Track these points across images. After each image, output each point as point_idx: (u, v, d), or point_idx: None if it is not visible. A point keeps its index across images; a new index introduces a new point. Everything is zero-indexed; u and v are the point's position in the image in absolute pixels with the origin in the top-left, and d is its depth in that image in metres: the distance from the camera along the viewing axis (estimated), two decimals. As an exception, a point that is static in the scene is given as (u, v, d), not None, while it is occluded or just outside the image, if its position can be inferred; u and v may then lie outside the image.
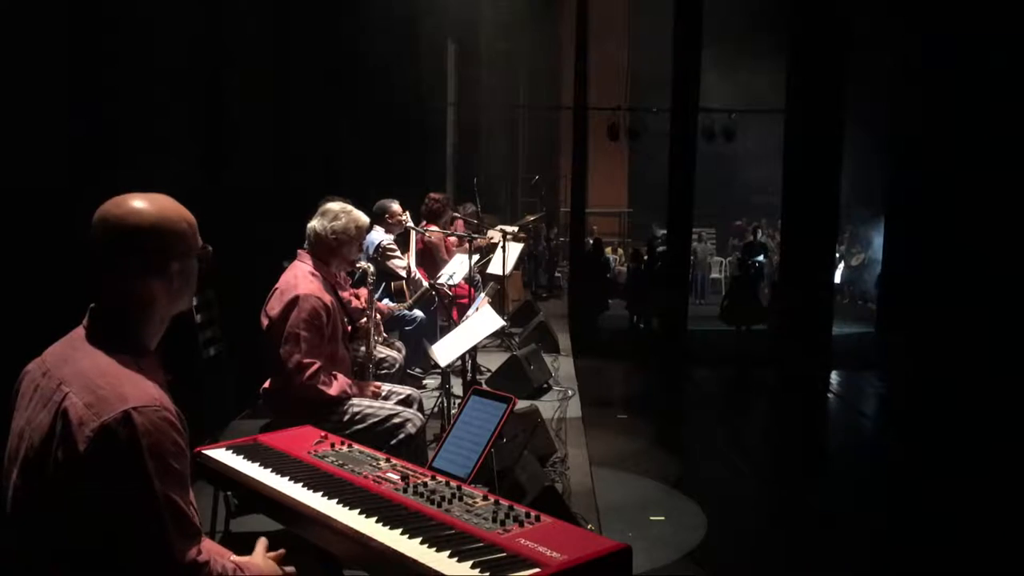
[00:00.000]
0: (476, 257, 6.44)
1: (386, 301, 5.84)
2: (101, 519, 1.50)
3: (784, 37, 11.78)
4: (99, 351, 1.61)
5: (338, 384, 3.43)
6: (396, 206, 5.99)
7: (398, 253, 5.95)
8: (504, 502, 1.95)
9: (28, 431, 1.59)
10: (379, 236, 5.82)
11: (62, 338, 1.70)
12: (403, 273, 5.97)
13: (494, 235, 7.37)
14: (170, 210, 1.68)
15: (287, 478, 2.15)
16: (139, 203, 1.65)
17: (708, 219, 17.39)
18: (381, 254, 5.79)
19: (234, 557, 1.71)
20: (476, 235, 6.78)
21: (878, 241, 14.17)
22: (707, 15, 11.73)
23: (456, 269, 6.26)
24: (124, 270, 1.64)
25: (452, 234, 6.89)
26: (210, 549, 1.65)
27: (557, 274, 14.77)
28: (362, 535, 1.82)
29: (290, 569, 1.80)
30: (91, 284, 1.66)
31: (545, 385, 6.09)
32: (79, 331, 1.67)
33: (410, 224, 6.20)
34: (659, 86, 13.96)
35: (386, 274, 5.84)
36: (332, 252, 3.62)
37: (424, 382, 5.84)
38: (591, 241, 15.41)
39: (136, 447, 1.50)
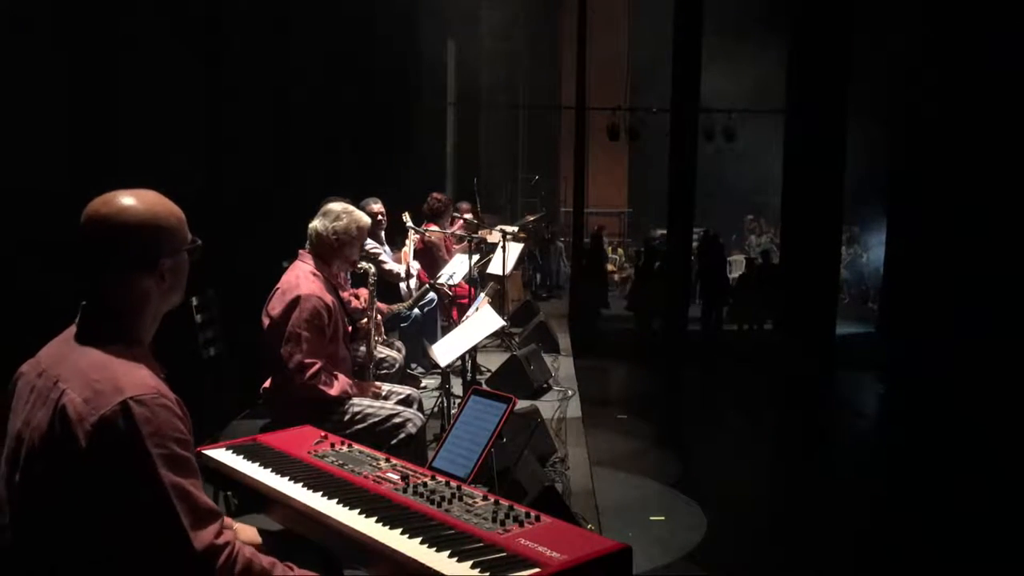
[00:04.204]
0: (476, 257, 6.43)
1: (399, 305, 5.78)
2: (110, 514, 1.49)
3: (785, 36, 11.78)
4: (94, 347, 1.61)
5: (339, 384, 3.43)
6: (378, 205, 5.87)
7: (382, 255, 5.87)
8: (504, 502, 1.95)
9: (27, 432, 1.58)
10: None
11: (55, 338, 1.70)
12: (395, 275, 5.91)
13: (494, 235, 7.36)
14: (159, 206, 1.68)
15: (287, 478, 2.15)
16: (129, 200, 1.64)
17: (708, 219, 17.37)
18: (370, 258, 5.71)
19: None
20: (476, 235, 6.77)
21: (878, 240, 14.16)
22: (707, 14, 11.73)
23: (456, 269, 6.26)
24: (117, 267, 1.64)
25: (453, 233, 6.89)
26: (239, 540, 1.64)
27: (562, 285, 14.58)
28: (362, 535, 1.82)
29: None
30: (83, 282, 1.65)
31: (545, 385, 6.08)
32: (72, 329, 1.67)
33: (410, 224, 6.19)
34: (659, 86, 13.97)
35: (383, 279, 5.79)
36: (334, 252, 3.62)
37: (424, 383, 5.83)
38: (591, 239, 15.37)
39: (137, 436, 1.49)
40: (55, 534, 1.53)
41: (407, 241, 6.28)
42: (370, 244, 5.75)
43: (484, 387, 4.17)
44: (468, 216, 7.71)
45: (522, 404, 3.90)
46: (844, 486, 6.34)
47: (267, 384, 3.56)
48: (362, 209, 5.79)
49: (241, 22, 5.53)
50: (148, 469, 1.50)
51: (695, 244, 14.16)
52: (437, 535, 1.78)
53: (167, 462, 1.51)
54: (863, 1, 11.24)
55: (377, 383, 3.76)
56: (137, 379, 1.56)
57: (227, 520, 1.87)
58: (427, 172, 11.48)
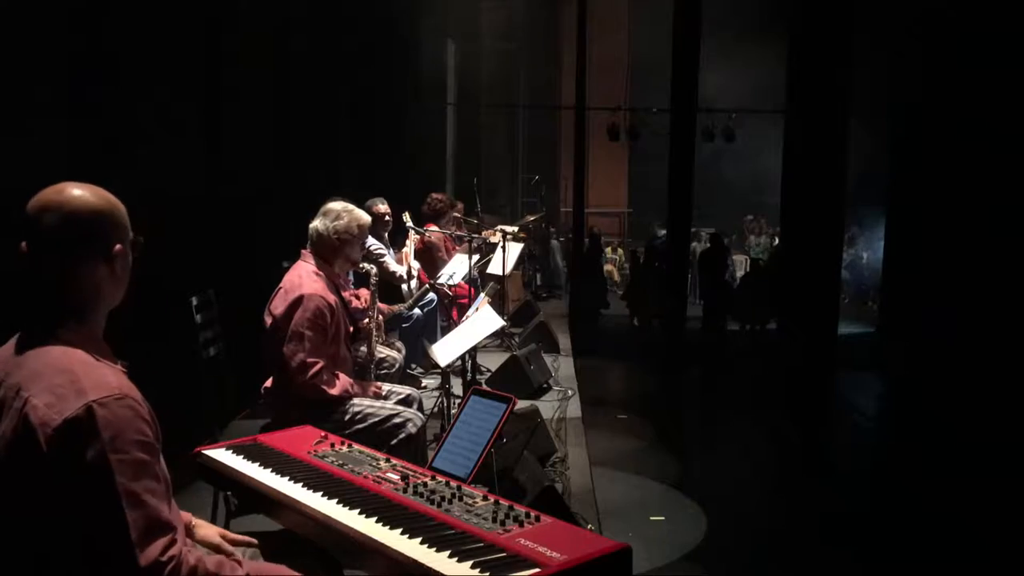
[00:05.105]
0: (476, 257, 6.43)
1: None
2: (62, 521, 1.46)
3: (785, 36, 11.78)
4: (51, 347, 1.57)
5: (340, 384, 3.43)
6: (384, 206, 5.88)
7: (386, 256, 5.86)
8: (504, 502, 1.95)
9: None
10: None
11: (6, 344, 1.65)
12: (398, 277, 5.90)
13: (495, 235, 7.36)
14: (109, 195, 1.68)
15: (287, 478, 2.15)
16: (79, 190, 1.64)
17: (708, 219, 17.38)
18: (373, 259, 5.71)
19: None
20: (475, 235, 6.78)
21: (878, 240, 14.16)
22: (707, 15, 11.73)
23: (456, 269, 6.26)
24: (75, 254, 1.60)
25: (452, 234, 6.88)
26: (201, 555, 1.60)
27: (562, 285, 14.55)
28: (362, 535, 1.82)
29: None
30: (36, 275, 1.61)
31: (545, 385, 6.08)
32: (26, 332, 1.62)
33: (410, 224, 6.19)
34: (659, 86, 13.97)
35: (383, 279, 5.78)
36: (335, 252, 3.62)
37: (424, 383, 5.84)
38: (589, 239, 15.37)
39: (96, 441, 1.45)
40: (11, 542, 1.49)
41: (407, 241, 6.28)
42: (375, 245, 5.75)
43: (484, 387, 4.17)
44: (457, 214, 7.69)
45: (522, 404, 3.91)
46: (844, 486, 6.34)
47: (268, 384, 3.56)
48: (367, 209, 5.80)
49: (241, 22, 5.53)
50: (104, 476, 1.45)
51: (705, 246, 14.17)
52: (437, 535, 1.78)
53: (126, 468, 1.47)
54: (863, 1, 11.23)
55: (378, 383, 3.76)
56: (98, 379, 1.52)
57: (187, 516, 1.84)
58: (427, 172, 11.48)
